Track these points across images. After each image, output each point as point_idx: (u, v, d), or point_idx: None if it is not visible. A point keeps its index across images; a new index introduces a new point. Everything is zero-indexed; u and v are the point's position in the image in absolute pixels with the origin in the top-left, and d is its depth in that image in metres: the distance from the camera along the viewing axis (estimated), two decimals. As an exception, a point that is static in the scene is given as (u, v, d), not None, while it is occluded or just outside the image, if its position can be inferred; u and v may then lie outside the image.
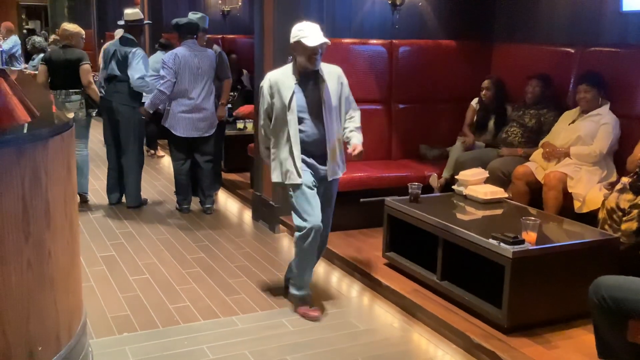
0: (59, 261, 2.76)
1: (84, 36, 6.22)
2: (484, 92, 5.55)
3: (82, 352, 2.99)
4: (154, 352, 3.45)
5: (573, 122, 4.75)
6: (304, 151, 3.77)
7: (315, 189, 3.79)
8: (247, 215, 6.12)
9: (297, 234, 3.78)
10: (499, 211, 4.33)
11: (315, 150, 3.80)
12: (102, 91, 6.13)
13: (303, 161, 3.78)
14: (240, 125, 7.77)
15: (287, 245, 5.30)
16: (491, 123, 5.51)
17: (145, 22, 6.31)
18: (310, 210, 3.72)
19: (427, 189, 5.23)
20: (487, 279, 3.72)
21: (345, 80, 3.89)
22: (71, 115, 3.20)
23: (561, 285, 3.58)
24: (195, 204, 6.23)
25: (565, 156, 4.64)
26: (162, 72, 5.78)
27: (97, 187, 6.91)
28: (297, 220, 3.78)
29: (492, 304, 3.59)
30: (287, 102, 3.69)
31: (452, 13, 6.02)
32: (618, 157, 4.57)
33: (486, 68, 5.96)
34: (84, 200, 6.22)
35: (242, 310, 3.98)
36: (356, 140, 3.83)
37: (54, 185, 2.68)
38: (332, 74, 3.82)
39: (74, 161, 3.04)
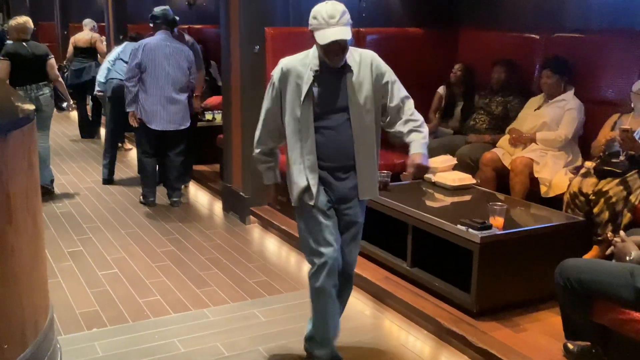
0: (23, 257, 2.70)
1: None
2: (453, 73, 5.60)
3: (50, 349, 2.94)
4: (124, 347, 3.42)
5: (539, 108, 4.80)
6: (320, 161, 2.97)
7: (332, 211, 3.03)
8: (218, 206, 6.08)
9: (309, 272, 3.08)
10: (467, 197, 4.36)
11: (336, 159, 2.97)
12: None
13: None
14: (209, 116, 7.69)
15: (257, 236, 5.28)
16: (458, 110, 5.56)
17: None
18: (323, 240, 2.97)
19: (396, 177, 5.24)
20: (456, 265, 3.75)
21: (383, 68, 3.04)
22: (32, 107, 3.13)
23: (528, 269, 3.63)
24: (163, 196, 6.15)
25: (532, 142, 4.69)
26: (127, 67, 5.70)
27: (64, 182, 6.80)
28: (307, 255, 3.09)
29: (461, 289, 3.63)
30: (302, 97, 2.90)
31: (417, 0, 6.02)
32: (583, 141, 4.64)
33: (453, 55, 5.99)
34: (47, 193, 6.09)
35: (213, 302, 3.96)
36: (417, 149, 2.98)
37: (15, 179, 2.62)
38: (363, 62, 2.98)
39: (36, 155, 2.98)
